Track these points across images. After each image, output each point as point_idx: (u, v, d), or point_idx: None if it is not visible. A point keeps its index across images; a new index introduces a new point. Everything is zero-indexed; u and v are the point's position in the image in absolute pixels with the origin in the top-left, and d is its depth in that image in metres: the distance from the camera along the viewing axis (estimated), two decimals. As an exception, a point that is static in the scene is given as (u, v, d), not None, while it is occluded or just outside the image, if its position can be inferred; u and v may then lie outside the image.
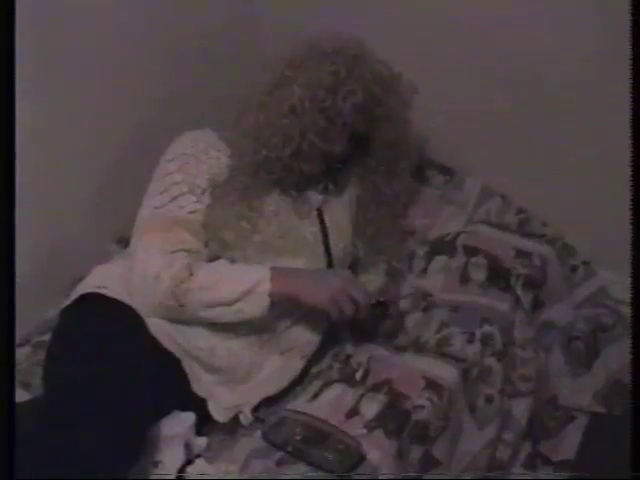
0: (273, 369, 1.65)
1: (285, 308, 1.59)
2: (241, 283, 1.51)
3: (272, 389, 1.64)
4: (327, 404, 1.58)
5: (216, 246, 1.60)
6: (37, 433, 1.28)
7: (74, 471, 1.27)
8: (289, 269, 1.60)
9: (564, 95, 1.86)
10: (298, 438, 1.49)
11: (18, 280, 1.77)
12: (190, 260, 1.52)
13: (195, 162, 1.61)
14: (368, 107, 1.61)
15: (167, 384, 1.53)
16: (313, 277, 1.59)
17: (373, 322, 1.71)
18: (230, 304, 1.50)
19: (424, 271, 1.94)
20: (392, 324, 1.75)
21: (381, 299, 1.66)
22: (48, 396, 1.49)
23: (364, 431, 1.50)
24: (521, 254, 1.90)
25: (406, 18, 1.99)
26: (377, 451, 1.46)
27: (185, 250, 1.53)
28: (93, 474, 1.29)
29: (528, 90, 1.91)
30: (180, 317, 1.55)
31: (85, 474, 1.27)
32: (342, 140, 1.61)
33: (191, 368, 1.58)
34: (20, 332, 1.78)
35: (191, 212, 1.57)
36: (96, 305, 1.57)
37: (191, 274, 1.50)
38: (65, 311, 1.60)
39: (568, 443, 1.86)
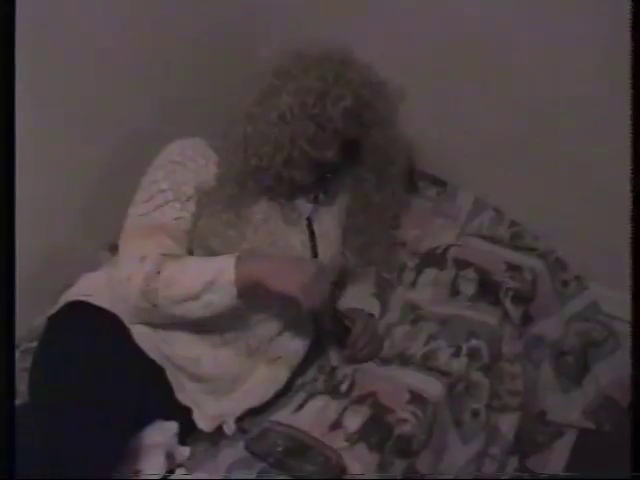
0: (259, 380, 1.66)
1: (262, 301, 1.57)
2: (204, 274, 1.48)
3: (257, 400, 1.64)
4: (310, 416, 1.58)
5: (203, 254, 1.60)
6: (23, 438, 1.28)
7: (56, 474, 1.30)
8: (257, 256, 1.57)
9: (562, 109, 1.86)
10: (280, 450, 1.49)
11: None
12: (161, 260, 1.51)
13: (182, 170, 1.60)
14: (358, 111, 1.60)
15: (151, 393, 1.54)
16: (282, 264, 1.54)
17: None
18: (197, 297, 1.48)
19: (413, 283, 1.93)
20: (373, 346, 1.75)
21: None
22: (32, 402, 1.51)
23: (346, 444, 1.49)
24: (512, 268, 1.89)
25: (404, 30, 1.99)
26: (359, 464, 1.46)
27: (164, 254, 1.52)
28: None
29: (525, 103, 1.90)
30: (158, 319, 1.55)
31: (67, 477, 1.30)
32: (333, 146, 1.60)
33: (175, 377, 1.58)
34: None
35: (175, 219, 1.57)
36: (81, 313, 1.57)
37: (159, 272, 1.49)
38: (51, 319, 1.61)
39: (556, 458, 1.85)
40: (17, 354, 1.77)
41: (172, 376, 1.58)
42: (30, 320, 1.82)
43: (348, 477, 1.44)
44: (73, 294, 1.62)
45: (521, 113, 1.91)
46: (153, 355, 1.56)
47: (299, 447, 1.49)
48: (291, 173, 1.61)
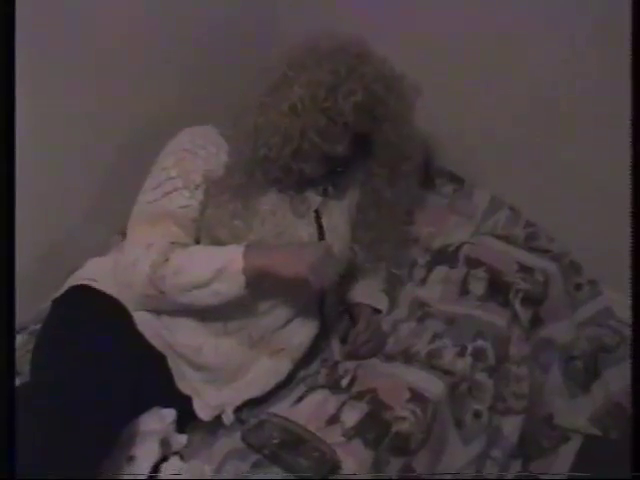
0: (261, 371, 1.65)
1: (268, 291, 1.57)
2: (213, 263, 1.48)
3: (257, 391, 1.64)
4: (309, 409, 1.58)
5: (210, 244, 1.60)
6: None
7: (55, 455, 1.29)
8: (264, 245, 1.58)
9: (579, 109, 1.83)
10: (275, 442, 1.49)
11: (19, 269, 1.81)
12: (169, 247, 1.51)
13: (192, 158, 1.60)
14: (369, 106, 1.58)
15: (150, 380, 1.54)
16: (289, 250, 1.56)
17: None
18: (205, 285, 1.48)
19: (423, 280, 1.92)
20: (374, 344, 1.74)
21: None
22: (32, 382, 1.52)
23: (342, 439, 1.49)
24: (524, 269, 1.87)
25: (421, 25, 1.98)
26: (353, 460, 1.45)
27: (171, 242, 1.52)
28: (73, 459, 1.31)
29: (547, 102, 1.88)
30: (164, 306, 1.55)
31: (66, 458, 1.30)
32: (344, 140, 1.59)
33: (176, 365, 1.59)
34: (19, 320, 1.81)
35: (182, 207, 1.57)
36: (84, 297, 1.58)
37: (166, 260, 1.49)
38: (55, 302, 1.62)
39: (560, 463, 1.83)
40: (25, 336, 1.80)
41: (173, 364, 1.58)
42: (36, 304, 1.82)
43: (343, 476, 1.44)
44: (78, 278, 1.63)
45: (539, 112, 1.89)
46: (154, 342, 1.56)
47: (295, 440, 1.48)
48: (300, 165, 1.60)
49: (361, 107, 1.56)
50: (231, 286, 1.48)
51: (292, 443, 1.48)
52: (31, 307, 1.83)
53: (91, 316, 1.55)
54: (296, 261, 1.49)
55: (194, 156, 1.61)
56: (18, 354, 1.73)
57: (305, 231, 1.67)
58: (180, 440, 1.54)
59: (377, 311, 1.82)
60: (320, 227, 1.69)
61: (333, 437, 1.49)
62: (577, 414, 1.88)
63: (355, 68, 1.56)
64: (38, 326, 1.75)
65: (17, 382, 1.62)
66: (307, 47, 1.61)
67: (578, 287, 1.93)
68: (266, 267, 1.48)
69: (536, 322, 1.84)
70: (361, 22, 1.95)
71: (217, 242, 1.58)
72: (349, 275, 1.82)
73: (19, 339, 1.79)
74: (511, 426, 1.75)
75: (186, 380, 1.60)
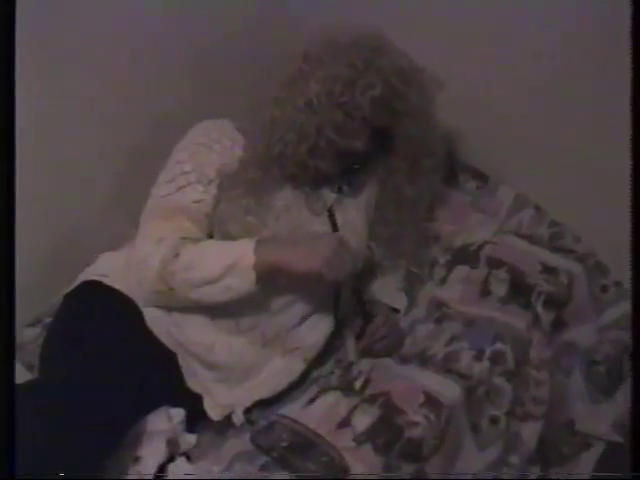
0: (273, 370, 1.62)
1: (282, 287, 1.55)
2: (223, 258, 1.45)
3: (269, 391, 1.61)
4: (320, 412, 1.54)
5: (222, 239, 1.57)
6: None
7: (58, 454, 1.27)
8: (275, 240, 1.54)
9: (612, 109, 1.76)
10: (284, 445, 1.47)
11: (37, 262, 1.81)
12: (179, 242, 1.48)
13: (207, 151, 1.58)
14: (388, 101, 1.54)
15: (159, 378, 1.53)
16: (301, 244, 1.52)
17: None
18: (215, 281, 1.45)
19: (444, 280, 1.86)
20: (390, 340, 1.70)
21: None
22: (40, 375, 1.52)
23: (353, 444, 1.46)
24: (547, 270, 1.81)
25: (444, 14, 1.92)
26: (362, 466, 1.42)
27: (183, 237, 1.50)
28: (77, 458, 1.29)
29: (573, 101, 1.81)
30: (174, 303, 1.53)
31: (69, 457, 1.28)
32: (362, 136, 1.55)
33: (187, 363, 1.57)
34: (34, 313, 1.82)
35: (196, 201, 1.54)
36: (95, 293, 1.57)
37: (177, 255, 1.46)
38: (66, 297, 1.61)
39: (580, 470, 1.78)
40: (39, 329, 1.80)
41: (183, 362, 1.56)
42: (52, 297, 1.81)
43: (353, 476, 1.41)
44: (90, 273, 1.62)
45: (569, 112, 1.82)
46: (165, 340, 1.55)
47: (304, 444, 1.46)
48: (316, 162, 1.56)
49: (379, 101, 1.52)
50: (242, 282, 1.45)
51: (301, 446, 1.46)
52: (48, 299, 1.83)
53: (101, 312, 1.54)
54: (309, 255, 1.46)
55: (209, 150, 1.58)
56: (31, 347, 1.73)
57: (320, 229, 1.63)
58: (189, 440, 1.52)
59: (395, 310, 1.78)
60: (334, 224, 1.65)
61: (343, 441, 1.46)
62: (599, 420, 1.83)
63: (372, 62, 1.52)
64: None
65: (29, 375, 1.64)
66: (323, 41, 1.58)
67: (604, 289, 1.87)
68: (278, 262, 1.45)
69: (559, 325, 1.79)
70: (379, 11, 1.90)
71: (229, 237, 1.56)
72: (366, 273, 1.78)
73: (32, 332, 1.79)
74: (530, 432, 1.70)
75: (197, 378, 1.58)
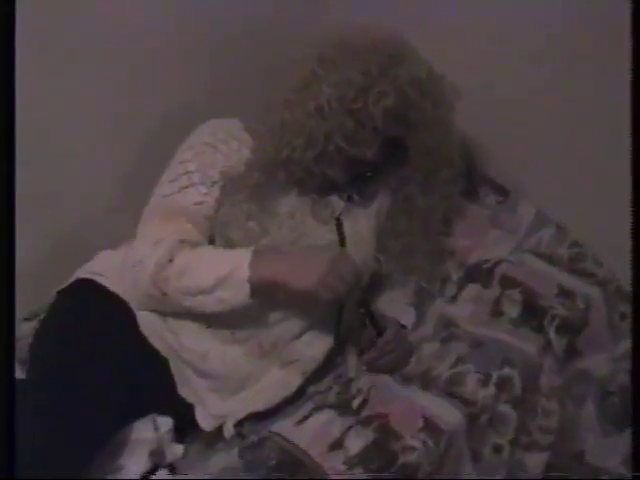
0: (269, 383, 1.56)
1: (279, 301, 1.49)
2: (218, 269, 1.40)
3: (263, 404, 1.55)
4: (313, 431, 1.48)
5: (223, 244, 1.52)
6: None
7: (52, 454, 1.26)
8: (273, 252, 1.46)
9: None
10: (272, 463, 1.42)
11: (39, 257, 1.78)
12: (176, 246, 1.43)
13: (212, 152, 1.52)
14: (402, 111, 1.48)
15: (151, 383, 1.48)
16: (298, 259, 1.44)
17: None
18: (209, 292, 1.40)
19: (454, 298, 1.79)
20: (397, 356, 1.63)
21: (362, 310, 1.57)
22: (28, 373, 1.49)
23: (344, 467, 1.40)
24: (564, 293, 1.73)
25: (465, 22, 1.86)
26: (352, 491, 1.36)
27: (182, 240, 1.44)
28: (69, 459, 1.28)
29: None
30: (168, 308, 1.48)
31: (62, 458, 1.26)
32: (372, 145, 1.49)
33: (180, 371, 1.52)
34: (32, 307, 1.78)
35: (197, 203, 1.49)
36: (89, 292, 1.53)
37: (171, 260, 1.41)
38: (59, 293, 1.57)
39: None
40: (35, 324, 1.74)
41: (176, 369, 1.51)
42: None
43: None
44: (86, 271, 1.58)
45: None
46: (158, 345, 1.50)
47: (292, 464, 1.40)
48: (323, 169, 1.51)
49: (392, 112, 1.46)
50: (236, 294, 1.40)
51: (288, 466, 1.40)
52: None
53: (93, 312, 1.50)
54: (304, 272, 1.39)
55: (214, 150, 1.54)
56: (25, 342, 1.68)
57: (325, 238, 1.57)
58: (176, 451, 1.47)
59: (402, 326, 1.71)
60: (341, 234, 1.58)
61: (334, 464, 1.40)
62: (610, 453, 1.74)
63: (388, 69, 1.46)
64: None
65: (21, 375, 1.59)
66: (338, 43, 1.51)
67: (623, 317, 1.78)
68: (273, 277, 1.39)
69: (572, 352, 1.70)
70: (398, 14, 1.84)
71: (230, 242, 1.51)
72: (374, 286, 1.71)
73: (29, 326, 1.74)
74: (535, 462, 1.63)
75: (190, 387, 1.53)
